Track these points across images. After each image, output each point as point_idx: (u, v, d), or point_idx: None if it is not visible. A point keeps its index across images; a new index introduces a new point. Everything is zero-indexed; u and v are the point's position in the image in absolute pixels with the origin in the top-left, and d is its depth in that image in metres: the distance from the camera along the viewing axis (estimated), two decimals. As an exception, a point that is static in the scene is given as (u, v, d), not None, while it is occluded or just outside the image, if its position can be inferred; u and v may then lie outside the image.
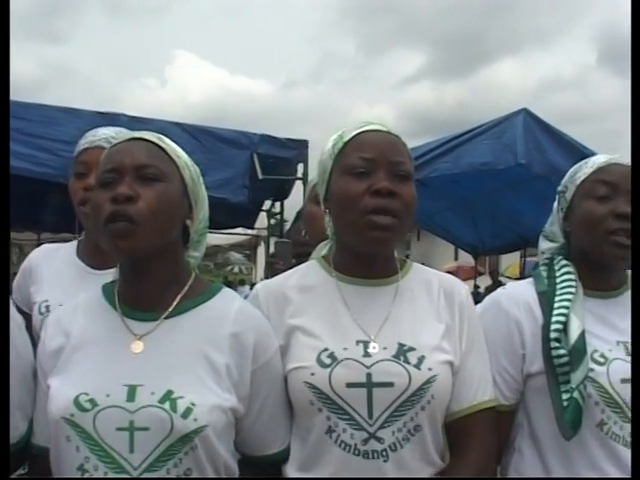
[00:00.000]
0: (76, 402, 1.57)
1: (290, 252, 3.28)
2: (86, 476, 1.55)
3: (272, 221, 9.72)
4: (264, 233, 11.20)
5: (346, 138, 1.79)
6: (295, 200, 7.78)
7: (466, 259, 14.82)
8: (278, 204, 8.98)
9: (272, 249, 10.95)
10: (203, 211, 1.77)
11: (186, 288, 1.72)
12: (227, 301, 1.74)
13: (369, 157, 1.74)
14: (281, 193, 8.27)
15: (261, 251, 13.76)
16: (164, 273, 1.70)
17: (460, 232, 10.62)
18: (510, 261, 15.08)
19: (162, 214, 1.62)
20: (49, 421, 1.62)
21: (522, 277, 11.03)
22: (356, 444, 1.68)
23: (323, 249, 1.99)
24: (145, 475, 1.54)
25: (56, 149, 5.99)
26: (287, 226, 8.73)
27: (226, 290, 1.80)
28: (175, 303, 1.69)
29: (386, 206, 1.70)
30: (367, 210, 1.71)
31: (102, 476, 1.54)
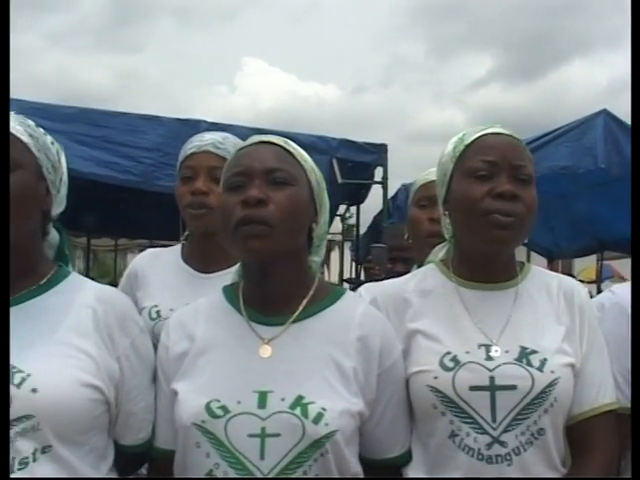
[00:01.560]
0: (208, 409, 1.56)
1: (386, 257, 3.28)
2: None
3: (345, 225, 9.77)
4: (338, 237, 11.23)
5: (467, 141, 1.79)
6: (375, 203, 7.77)
7: (538, 262, 14.58)
8: (352, 208, 9.00)
9: (346, 253, 11.00)
10: (325, 216, 1.77)
11: (312, 292, 1.72)
12: (352, 305, 1.74)
13: (491, 160, 1.73)
14: (357, 197, 8.27)
15: (334, 255, 13.71)
16: (291, 277, 1.70)
17: (535, 235, 10.44)
18: (584, 264, 14.79)
19: (293, 218, 1.62)
20: (178, 427, 1.61)
21: (598, 280, 10.89)
22: (479, 448, 1.66)
23: (440, 252, 1.98)
24: None
25: (138, 156, 6.06)
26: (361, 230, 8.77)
27: (349, 293, 1.80)
28: (302, 307, 1.69)
29: (508, 209, 1.70)
30: (489, 211, 1.70)
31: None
